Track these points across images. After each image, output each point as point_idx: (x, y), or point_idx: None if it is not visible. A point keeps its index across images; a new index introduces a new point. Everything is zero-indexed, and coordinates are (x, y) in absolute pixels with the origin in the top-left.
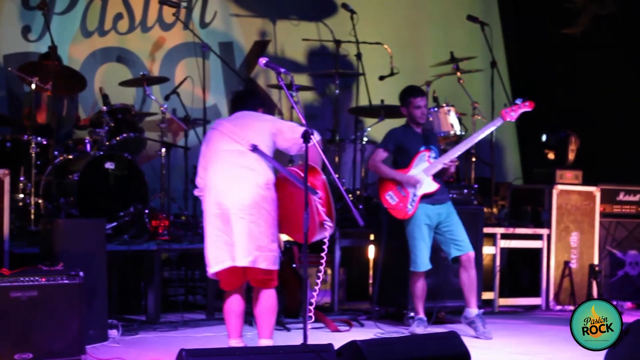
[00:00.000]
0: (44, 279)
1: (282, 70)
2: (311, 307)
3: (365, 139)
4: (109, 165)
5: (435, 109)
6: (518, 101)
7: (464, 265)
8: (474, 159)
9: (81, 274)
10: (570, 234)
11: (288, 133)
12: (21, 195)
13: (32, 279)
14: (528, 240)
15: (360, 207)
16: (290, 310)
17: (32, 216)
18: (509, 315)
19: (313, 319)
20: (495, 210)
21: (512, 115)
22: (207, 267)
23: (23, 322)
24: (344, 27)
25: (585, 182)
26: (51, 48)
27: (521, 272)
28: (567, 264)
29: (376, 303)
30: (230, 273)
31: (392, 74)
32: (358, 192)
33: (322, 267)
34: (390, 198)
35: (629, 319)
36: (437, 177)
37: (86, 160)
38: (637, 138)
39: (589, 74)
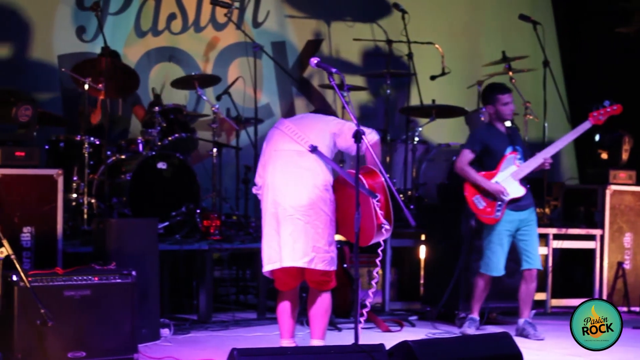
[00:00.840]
0: (96, 278)
1: (334, 70)
2: (363, 309)
3: (416, 139)
4: (161, 165)
5: None
6: (606, 103)
7: (525, 278)
8: None
9: (134, 273)
10: (624, 234)
11: (349, 134)
12: (74, 195)
13: (85, 278)
14: (581, 241)
15: (412, 207)
16: (341, 310)
17: (85, 216)
18: (561, 316)
19: (364, 319)
20: (547, 210)
21: (600, 118)
22: (262, 266)
23: (76, 321)
24: (397, 27)
25: (639, 182)
26: (104, 49)
27: (574, 272)
28: (620, 264)
29: (427, 303)
30: (285, 273)
31: (443, 73)
32: (409, 192)
33: (375, 273)
34: (478, 202)
35: None
36: (524, 179)
37: (139, 160)
38: None
39: None
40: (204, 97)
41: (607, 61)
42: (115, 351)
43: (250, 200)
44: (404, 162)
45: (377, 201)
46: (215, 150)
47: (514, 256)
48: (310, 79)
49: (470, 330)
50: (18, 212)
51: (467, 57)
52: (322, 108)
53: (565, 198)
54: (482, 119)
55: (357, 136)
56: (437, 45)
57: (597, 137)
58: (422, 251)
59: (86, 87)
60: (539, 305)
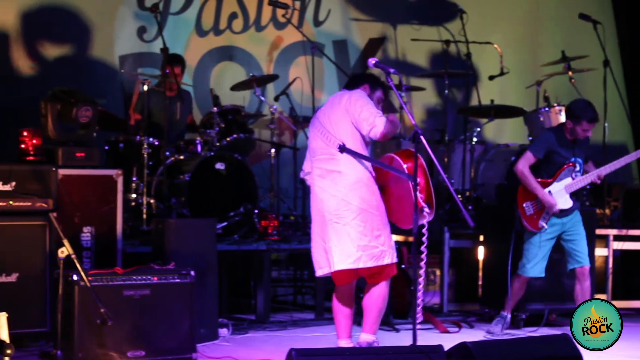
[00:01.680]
0: (156, 278)
1: (392, 70)
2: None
3: (474, 139)
4: (220, 166)
5: (546, 108)
6: None
7: (578, 278)
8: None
9: (192, 273)
10: None
11: (360, 121)
12: (134, 195)
13: (144, 277)
14: None
15: (470, 207)
16: (399, 311)
17: (144, 216)
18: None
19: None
20: (608, 211)
21: None
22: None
23: (135, 320)
24: (468, 32)
25: None
26: (163, 50)
27: (635, 274)
28: None
29: (485, 304)
30: (338, 273)
31: (502, 73)
32: (467, 193)
33: (423, 264)
34: (528, 208)
35: None
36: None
37: (197, 160)
38: None
39: None
40: (262, 98)
41: None
42: (173, 351)
43: (308, 201)
44: (462, 163)
45: (417, 184)
46: (273, 150)
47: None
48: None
49: (496, 328)
50: (78, 212)
51: (527, 57)
52: (352, 79)
53: (625, 199)
54: (542, 119)
55: (415, 138)
56: (495, 45)
57: None
58: (481, 252)
59: (145, 87)
60: None
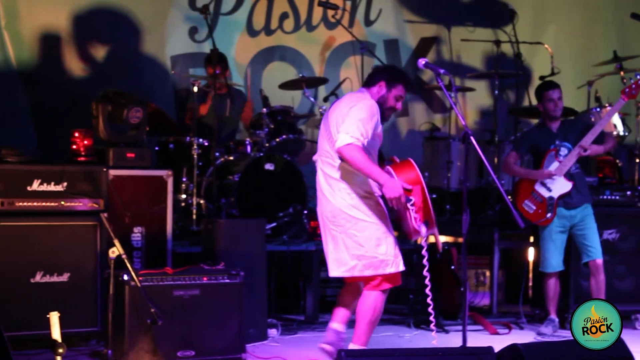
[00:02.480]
0: (205, 278)
1: (442, 71)
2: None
3: None
4: (269, 167)
5: (598, 109)
6: (637, 76)
7: (592, 271)
8: (638, 160)
9: (242, 273)
10: None
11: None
12: (183, 196)
13: (194, 278)
14: None
15: None
16: (449, 313)
17: (194, 216)
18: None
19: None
20: None
21: (634, 93)
22: None
23: (185, 320)
24: (520, 32)
25: None
26: (213, 52)
27: None
28: None
29: (536, 306)
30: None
31: (552, 73)
32: None
33: (427, 281)
34: (527, 207)
35: None
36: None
37: (246, 161)
38: None
39: None
40: (311, 99)
41: None
42: (223, 351)
43: None
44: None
45: (412, 205)
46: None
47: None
48: (430, 79)
49: (547, 330)
50: (129, 212)
51: (578, 57)
52: (370, 75)
53: None
54: (593, 119)
55: (465, 138)
56: (546, 46)
57: None
58: (531, 253)
59: (195, 89)
60: None
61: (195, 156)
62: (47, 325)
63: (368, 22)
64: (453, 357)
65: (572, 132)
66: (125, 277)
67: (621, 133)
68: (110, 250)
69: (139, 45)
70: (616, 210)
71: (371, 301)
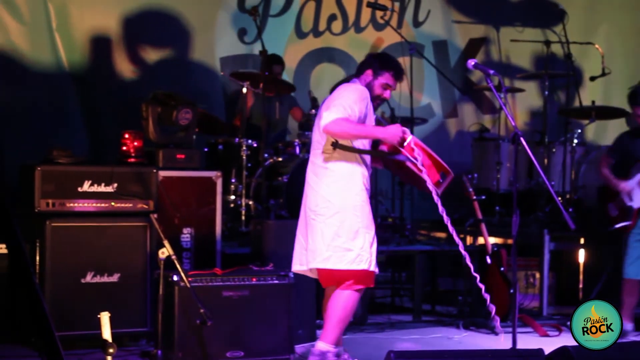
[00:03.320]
0: (254, 279)
1: (491, 72)
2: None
3: (575, 140)
4: None
5: None
6: None
7: None
8: None
9: (291, 274)
10: None
11: (326, 112)
12: (232, 197)
13: (243, 278)
14: None
15: (570, 210)
16: (498, 315)
17: (243, 217)
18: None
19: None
20: None
21: None
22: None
23: (234, 320)
24: (570, 32)
25: None
26: (262, 53)
27: None
28: None
29: None
30: (319, 274)
31: (603, 74)
32: (568, 195)
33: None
34: (611, 209)
35: None
36: None
37: (295, 162)
38: None
39: None
40: None
41: None
42: (272, 351)
43: (406, 202)
44: (563, 165)
45: (422, 165)
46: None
47: None
48: (479, 79)
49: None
50: (178, 213)
51: (630, 57)
52: (359, 65)
53: None
54: None
55: (515, 139)
56: (597, 46)
57: None
58: (581, 255)
59: (244, 90)
60: None
61: (244, 157)
62: (97, 325)
63: (416, 24)
64: (503, 359)
65: None
66: (175, 278)
67: None
68: (160, 251)
69: (188, 47)
70: None
71: (342, 300)
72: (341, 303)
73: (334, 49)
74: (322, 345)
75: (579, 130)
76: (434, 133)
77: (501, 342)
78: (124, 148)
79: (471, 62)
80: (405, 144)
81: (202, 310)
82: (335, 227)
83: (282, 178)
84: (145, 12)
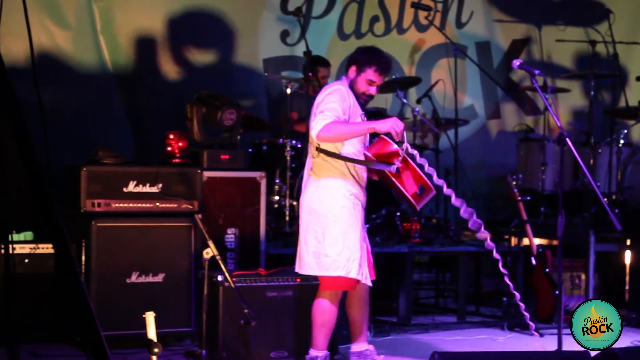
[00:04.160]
0: (298, 280)
1: (536, 72)
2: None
3: (621, 141)
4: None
5: None
6: None
7: None
8: None
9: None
10: None
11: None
12: (276, 198)
13: (287, 279)
14: None
15: (616, 210)
16: (544, 316)
17: (287, 217)
18: None
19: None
20: None
21: None
22: None
23: (278, 321)
24: (615, 32)
25: None
26: (306, 53)
27: None
28: None
29: (633, 310)
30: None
31: None
32: (614, 196)
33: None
34: None
35: None
36: None
37: None
38: None
39: None
40: (404, 101)
41: None
42: None
43: (450, 203)
44: (609, 165)
45: (397, 171)
46: (415, 153)
47: None
48: (520, 80)
49: None
50: (223, 214)
51: None
52: (346, 64)
53: None
54: None
55: (561, 139)
56: None
57: None
58: (628, 256)
59: (288, 90)
60: None
61: (288, 158)
62: (142, 324)
63: (459, 25)
64: None
65: None
66: (219, 278)
67: None
68: (205, 251)
69: (232, 48)
70: None
71: (319, 305)
72: (319, 307)
73: None
74: (312, 351)
75: (625, 131)
76: (476, 134)
77: (547, 343)
78: (169, 149)
79: (516, 62)
80: (404, 141)
81: (246, 311)
82: (317, 233)
83: None
84: (189, 13)
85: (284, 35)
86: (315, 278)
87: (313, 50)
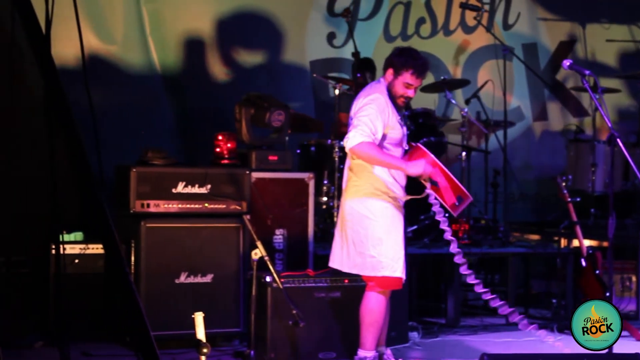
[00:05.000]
0: (347, 281)
1: (587, 72)
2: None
3: None
4: None
5: None
6: None
7: None
8: None
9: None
10: None
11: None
12: (325, 198)
13: (335, 280)
14: None
15: None
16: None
17: (335, 218)
18: None
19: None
20: None
21: None
22: None
23: (326, 322)
24: None
25: None
26: (355, 55)
27: None
28: None
29: None
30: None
31: None
32: None
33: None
34: None
35: None
36: None
37: None
38: None
39: None
40: (453, 101)
41: None
42: None
43: (499, 205)
44: None
45: (436, 185)
46: (464, 154)
47: None
48: (565, 81)
49: None
50: (271, 214)
51: None
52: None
53: None
54: None
55: (612, 140)
56: None
57: None
58: None
59: (336, 92)
60: None
61: (336, 159)
62: (191, 325)
63: (506, 26)
64: None
65: None
66: (268, 279)
67: None
68: (253, 252)
69: (280, 49)
70: None
71: (367, 304)
72: (367, 307)
73: (423, 52)
74: (361, 352)
75: None
76: (522, 135)
77: None
78: (218, 150)
79: (566, 63)
80: (427, 184)
81: (294, 311)
82: (360, 234)
83: None
84: (238, 14)
85: (331, 37)
86: (362, 278)
87: (360, 52)
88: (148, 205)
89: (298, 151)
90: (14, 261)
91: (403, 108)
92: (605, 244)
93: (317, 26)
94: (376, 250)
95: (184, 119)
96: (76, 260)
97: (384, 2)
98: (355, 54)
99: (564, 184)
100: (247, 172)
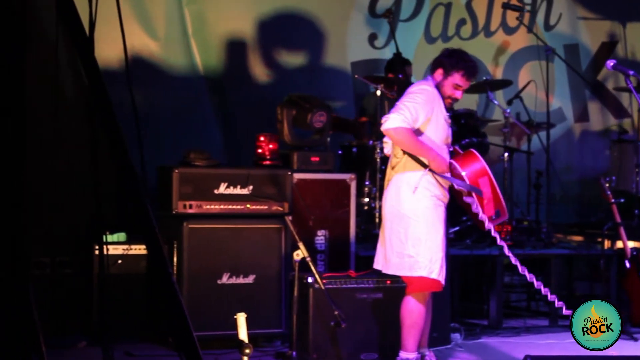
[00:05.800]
0: (389, 282)
1: (631, 72)
2: None
3: None
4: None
5: None
6: None
7: None
8: None
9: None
10: None
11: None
12: (366, 199)
13: (377, 281)
14: None
15: None
16: (638, 320)
17: (377, 219)
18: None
19: None
20: None
21: None
22: None
23: (368, 323)
24: None
25: None
26: (396, 55)
27: None
28: None
29: None
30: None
31: None
32: None
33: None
34: None
35: None
36: None
37: None
38: None
39: None
40: (495, 102)
41: None
42: None
43: (541, 206)
44: None
45: (482, 195)
46: (506, 155)
47: None
48: (605, 82)
49: None
50: (313, 215)
51: None
52: (431, 66)
53: None
54: None
55: None
56: None
57: None
58: None
59: (378, 93)
60: None
61: (377, 160)
62: (233, 325)
63: (547, 27)
64: None
65: None
66: (310, 280)
67: None
68: (295, 253)
69: (321, 50)
70: None
71: (406, 306)
72: (407, 309)
73: None
74: (402, 354)
75: None
76: (564, 136)
77: None
78: (259, 151)
79: (610, 63)
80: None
81: (336, 312)
82: (400, 233)
83: None
84: (279, 15)
85: (372, 38)
86: (402, 279)
87: (402, 53)
88: (190, 206)
89: (339, 152)
90: (59, 262)
91: (448, 109)
92: None
93: (358, 27)
94: (415, 250)
95: (226, 119)
96: (119, 261)
97: (425, 3)
98: (397, 55)
99: (607, 184)
100: (289, 173)
